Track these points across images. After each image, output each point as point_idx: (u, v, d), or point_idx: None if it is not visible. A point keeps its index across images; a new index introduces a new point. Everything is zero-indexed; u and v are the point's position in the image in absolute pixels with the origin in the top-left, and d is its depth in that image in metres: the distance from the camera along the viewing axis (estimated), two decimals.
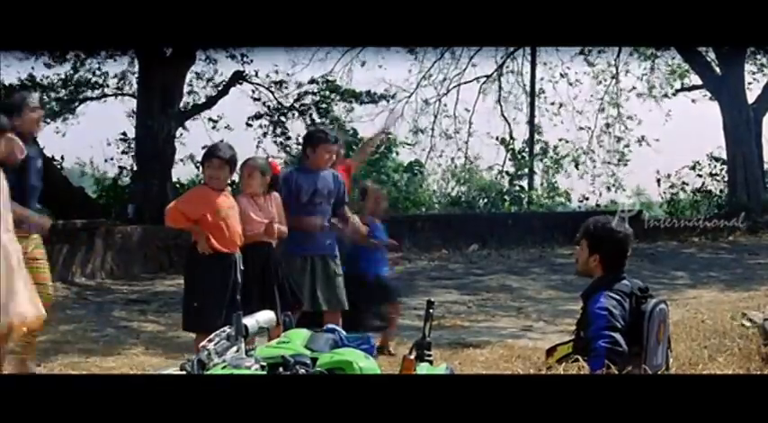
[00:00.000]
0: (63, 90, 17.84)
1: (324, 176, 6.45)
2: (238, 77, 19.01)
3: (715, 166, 22.11)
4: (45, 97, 17.60)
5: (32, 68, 17.14)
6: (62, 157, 17.24)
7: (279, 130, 19.85)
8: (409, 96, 22.70)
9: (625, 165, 22.88)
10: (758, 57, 22.05)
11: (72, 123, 18.39)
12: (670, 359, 4.67)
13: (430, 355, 4.42)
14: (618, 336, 4.22)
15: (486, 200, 21.14)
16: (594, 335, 4.26)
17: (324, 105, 19.76)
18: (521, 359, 6.29)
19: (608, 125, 23.68)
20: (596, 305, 4.35)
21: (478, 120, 23.60)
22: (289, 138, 19.80)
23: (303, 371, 3.66)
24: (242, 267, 5.90)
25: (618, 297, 4.38)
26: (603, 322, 4.26)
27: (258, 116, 19.85)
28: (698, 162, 22.12)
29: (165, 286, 12.05)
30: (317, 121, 19.48)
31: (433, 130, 22.97)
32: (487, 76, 23.41)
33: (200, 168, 5.88)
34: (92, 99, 18.42)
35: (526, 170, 21.66)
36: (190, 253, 5.98)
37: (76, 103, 18.28)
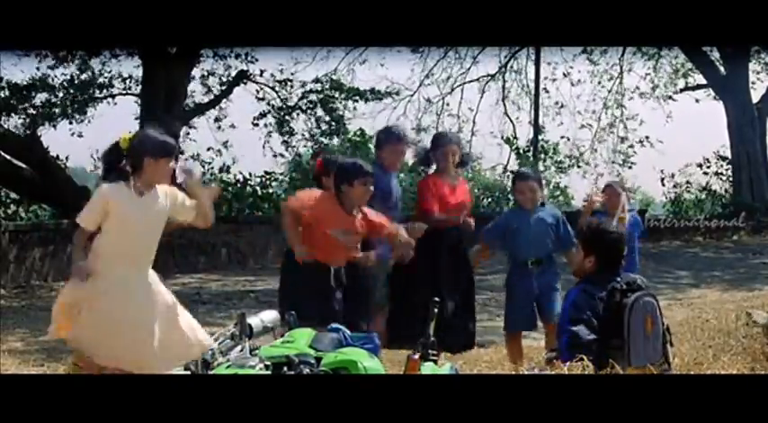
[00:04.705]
0: (71, 90, 17.83)
1: (394, 181, 6.33)
2: (243, 76, 19.03)
3: (721, 166, 22.09)
4: (52, 97, 17.62)
5: (37, 68, 17.20)
6: (67, 158, 17.26)
7: (284, 129, 19.86)
8: (412, 95, 22.72)
9: (630, 167, 22.83)
10: (762, 56, 22.01)
11: (83, 123, 18.40)
12: (669, 353, 4.69)
13: (434, 355, 4.43)
14: (579, 328, 4.38)
15: (489, 199, 21.10)
16: (559, 330, 4.54)
17: (329, 104, 19.76)
18: (525, 359, 6.28)
19: (611, 125, 23.68)
20: (566, 299, 4.61)
21: (482, 119, 23.62)
22: (294, 134, 19.82)
23: (307, 370, 3.66)
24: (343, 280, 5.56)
25: (589, 289, 4.53)
26: (567, 315, 4.49)
27: (263, 114, 19.88)
28: (702, 161, 22.10)
29: (169, 286, 11.96)
30: (326, 119, 19.49)
31: (436, 129, 22.95)
32: (491, 76, 23.40)
33: (343, 185, 5.42)
34: (99, 99, 18.44)
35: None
36: (288, 257, 5.64)
37: (79, 105, 18.25)
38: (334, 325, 4.26)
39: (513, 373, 5.07)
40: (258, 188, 17.80)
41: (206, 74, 19.07)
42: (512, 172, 21.68)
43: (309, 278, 5.42)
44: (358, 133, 19.37)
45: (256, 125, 19.93)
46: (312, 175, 6.18)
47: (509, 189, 19.36)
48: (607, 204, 6.67)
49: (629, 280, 4.59)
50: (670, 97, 23.43)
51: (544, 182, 6.81)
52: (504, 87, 23.53)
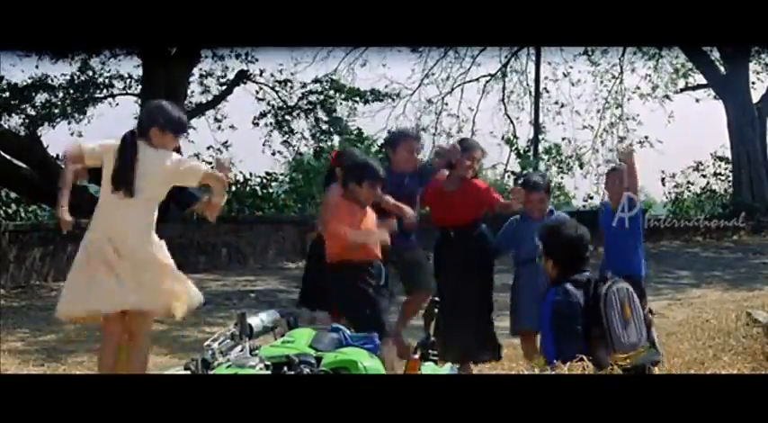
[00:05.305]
0: (71, 90, 17.82)
1: (408, 182, 6.20)
2: (243, 76, 19.01)
3: (719, 166, 22.09)
4: (52, 97, 17.62)
5: (36, 67, 17.18)
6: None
7: (284, 129, 19.84)
8: (411, 94, 22.71)
9: None
10: (762, 56, 22.01)
11: (83, 122, 18.38)
12: (654, 336, 4.73)
13: (434, 355, 4.43)
14: (564, 348, 4.36)
15: None
16: (543, 342, 4.65)
17: (329, 104, 19.74)
18: (525, 359, 6.28)
19: (612, 124, 23.67)
20: (545, 306, 4.60)
21: (482, 119, 23.62)
22: (294, 134, 19.81)
23: (307, 370, 3.67)
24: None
25: (565, 288, 4.54)
26: (548, 324, 4.53)
27: (263, 114, 19.87)
28: (697, 165, 22.12)
29: None
30: (325, 119, 19.48)
31: (435, 128, 22.97)
32: (492, 76, 23.41)
33: (352, 182, 5.36)
34: (99, 99, 18.42)
35: (531, 169, 21.63)
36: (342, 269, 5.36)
37: (79, 105, 18.23)
38: (335, 325, 4.26)
39: (513, 373, 5.08)
40: (258, 188, 17.79)
41: (205, 74, 19.08)
42: (512, 172, 21.69)
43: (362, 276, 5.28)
44: (355, 133, 19.33)
45: (257, 125, 19.93)
46: (327, 168, 6.17)
47: (509, 189, 19.39)
48: (609, 192, 6.38)
49: (604, 274, 4.64)
50: (667, 97, 23.43)
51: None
52: (504, 87, 23.56)
